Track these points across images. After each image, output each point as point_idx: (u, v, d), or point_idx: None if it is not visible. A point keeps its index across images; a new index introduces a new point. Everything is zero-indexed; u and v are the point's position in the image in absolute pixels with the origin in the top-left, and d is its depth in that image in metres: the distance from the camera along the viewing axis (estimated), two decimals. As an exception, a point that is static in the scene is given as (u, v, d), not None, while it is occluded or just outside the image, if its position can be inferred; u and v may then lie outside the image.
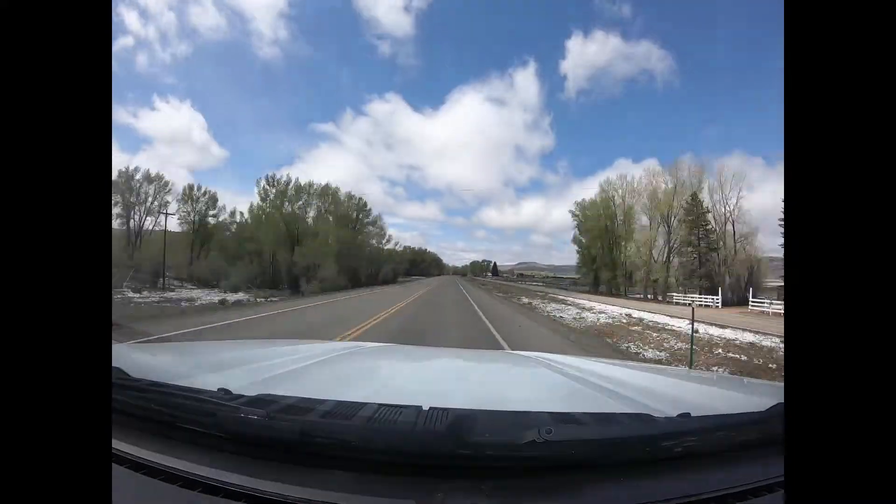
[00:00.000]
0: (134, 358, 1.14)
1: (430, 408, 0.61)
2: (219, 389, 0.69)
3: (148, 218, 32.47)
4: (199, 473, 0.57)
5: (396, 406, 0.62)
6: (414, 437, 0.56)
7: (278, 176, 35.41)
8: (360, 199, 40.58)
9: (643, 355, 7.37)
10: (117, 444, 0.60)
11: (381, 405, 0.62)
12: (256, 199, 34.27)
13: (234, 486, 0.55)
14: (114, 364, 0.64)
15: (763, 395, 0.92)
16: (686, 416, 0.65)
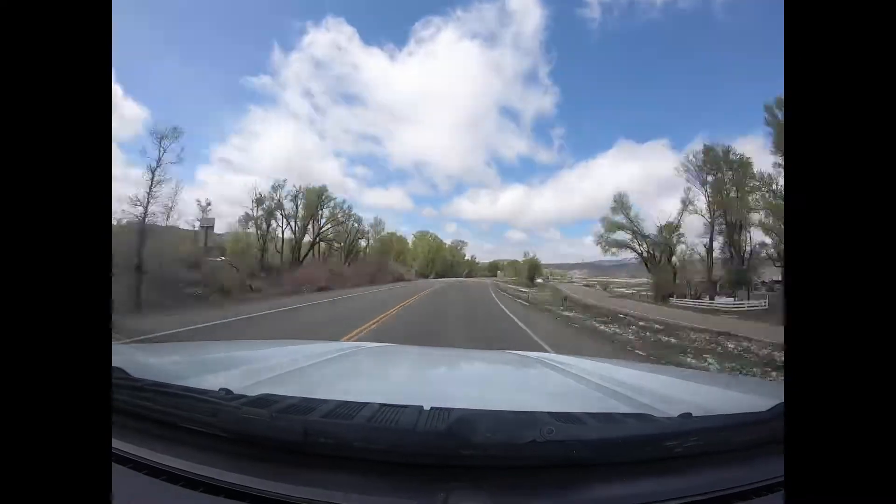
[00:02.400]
0: (135, 357, 1.14)
1: (432, 407, 0.61)
2: (220, 389, 0.69)
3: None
4: (200, 473, 0.57)
5: (398, 406, 0.63)
6: (415, 437, 0.56)
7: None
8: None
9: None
10: (117, 444, 0.60)
11: (382, 405, 0.63)
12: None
13: (236, 486, 0.55)
14: (114, 363, 0.64)
15: (763, 395, 0.92)
16: (687, 416, 0.66)
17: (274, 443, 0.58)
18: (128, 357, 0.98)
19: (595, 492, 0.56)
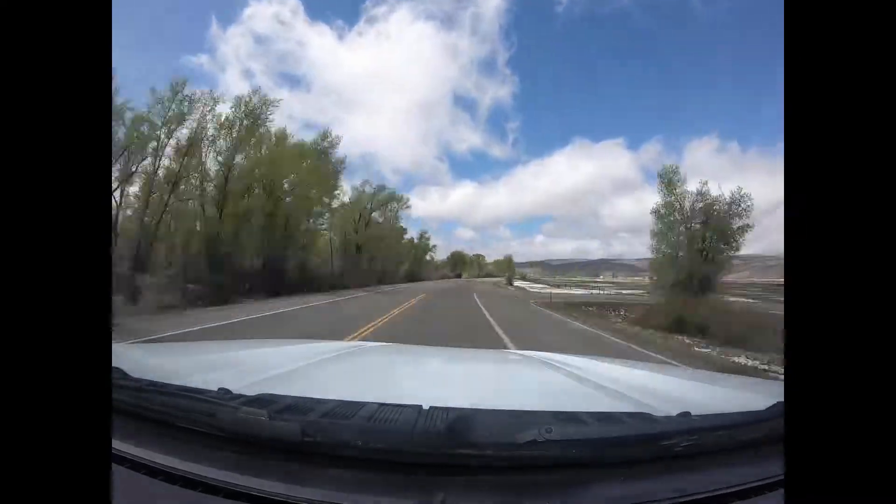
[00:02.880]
0: (133, 357, 1.14)
1: (431, 407, 0.61)
2: (219, 389, 0.69)
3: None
4: (199, 473, 0.57)
5: (397, 405, 0.63)
6: (414, 437, 0.56)
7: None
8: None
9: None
10: (117, 444, 0.60)
11: (381, 404, 0.63)
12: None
13: (235, 485, 0.55)
14: (113, 364, 0.64)
15: (763, 394, 0.92)
16: (686, 414, 0.65)
17: (272, 442, 0.58)
18: (126, 357, 0.98)
19: (594, 491, 0.56)
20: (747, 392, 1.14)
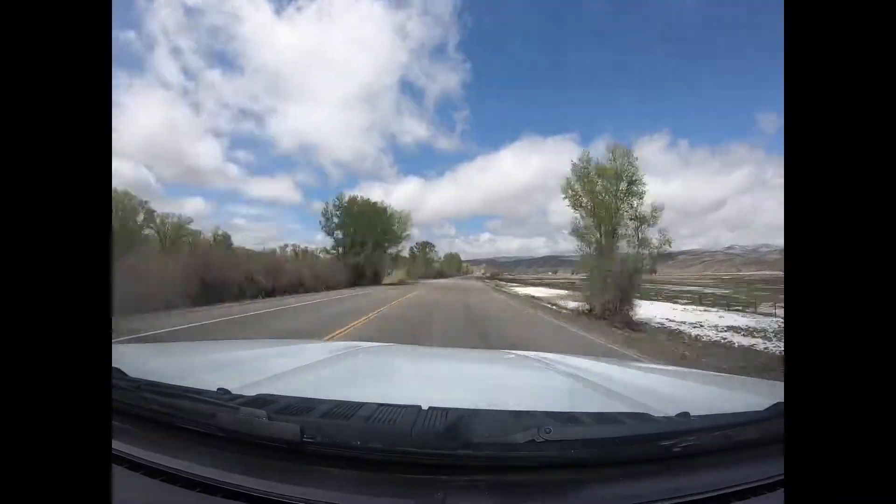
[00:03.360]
0: (133, 358, 1.14)
1: (430, 407, 0.61)
2: (218, 389, 0.69)
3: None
4: (198, 473, 0.57)
5: (396, 406, 0.63)
6: (413, 437, 0.56)
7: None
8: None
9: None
10: (117, 445, 0.60)
11: (380, 405, 0.63)
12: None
13: (234, 485, 0.55)
14: (113, 364, 0.64)
15: (763, 395, 0.92)
16: (685, 415, 0.65)
17: (272, 443, 0.58)
18: (125, 357, 0.98)
19: (593, 491, 0.56)
20: (747, 392, 1.14)
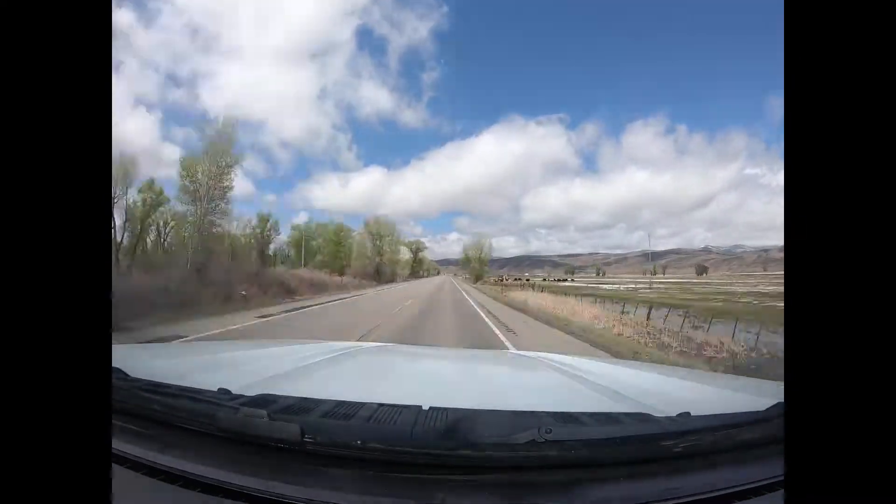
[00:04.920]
0: (133, 358, 1.14)
1: (430, 407, 0.61)
2: (219, 389, 0.69)
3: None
4: (198, 473, 0.57)
5: (396, 406, 0.63)
6: (414, 437, 0.56)
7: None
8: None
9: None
10: (117, 445, 0.60)
11: (380, 405, 0.63)
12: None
13: (234, 486, 0.55)
14: (113, 364, 0.64)
15: (763, 394, 0.92)
16: (686, 415, 0.65)
17: (272, 443, 0.58)
18: (126, 357, 0.98)
19: (594, 491, 0.56)
20: (747, 392, 1.14)
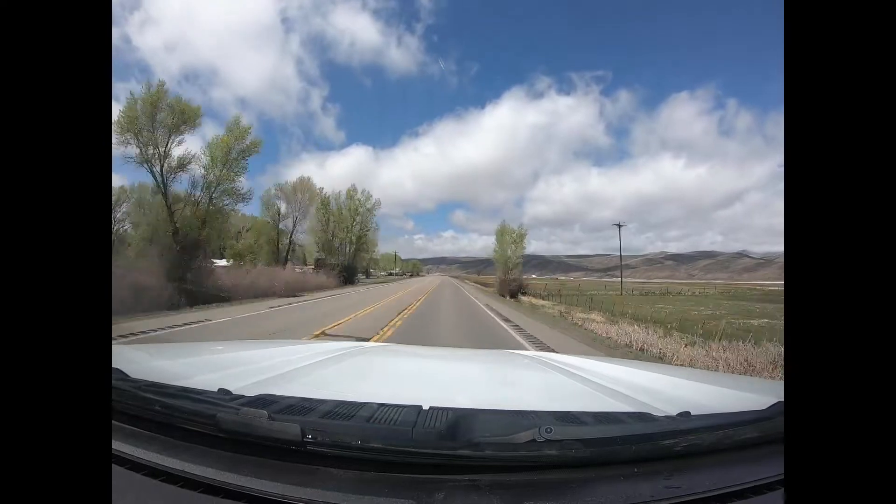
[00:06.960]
0: (133, 359, 1.14)
1: (431, 407, 0.61)
2: (219, 390, 0.69)
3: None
4: (199, 474, 0.57)
5: (396, 406, 0.63)
6: (414, 437, 0.56)
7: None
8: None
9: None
10: (117, 445, 0.60)
11: (381, 405, 0.63)
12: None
13: (235, 486, 0.55)
14: (113, 365, 0.64)
15: (763, 394, 0.92)
16: (686, 414, 0.65)
17: (272, 443, 0.58)
18: (126, 358, 0.98)
19: (594, 490, 0.56)
20: (747, 392, 1.14)
